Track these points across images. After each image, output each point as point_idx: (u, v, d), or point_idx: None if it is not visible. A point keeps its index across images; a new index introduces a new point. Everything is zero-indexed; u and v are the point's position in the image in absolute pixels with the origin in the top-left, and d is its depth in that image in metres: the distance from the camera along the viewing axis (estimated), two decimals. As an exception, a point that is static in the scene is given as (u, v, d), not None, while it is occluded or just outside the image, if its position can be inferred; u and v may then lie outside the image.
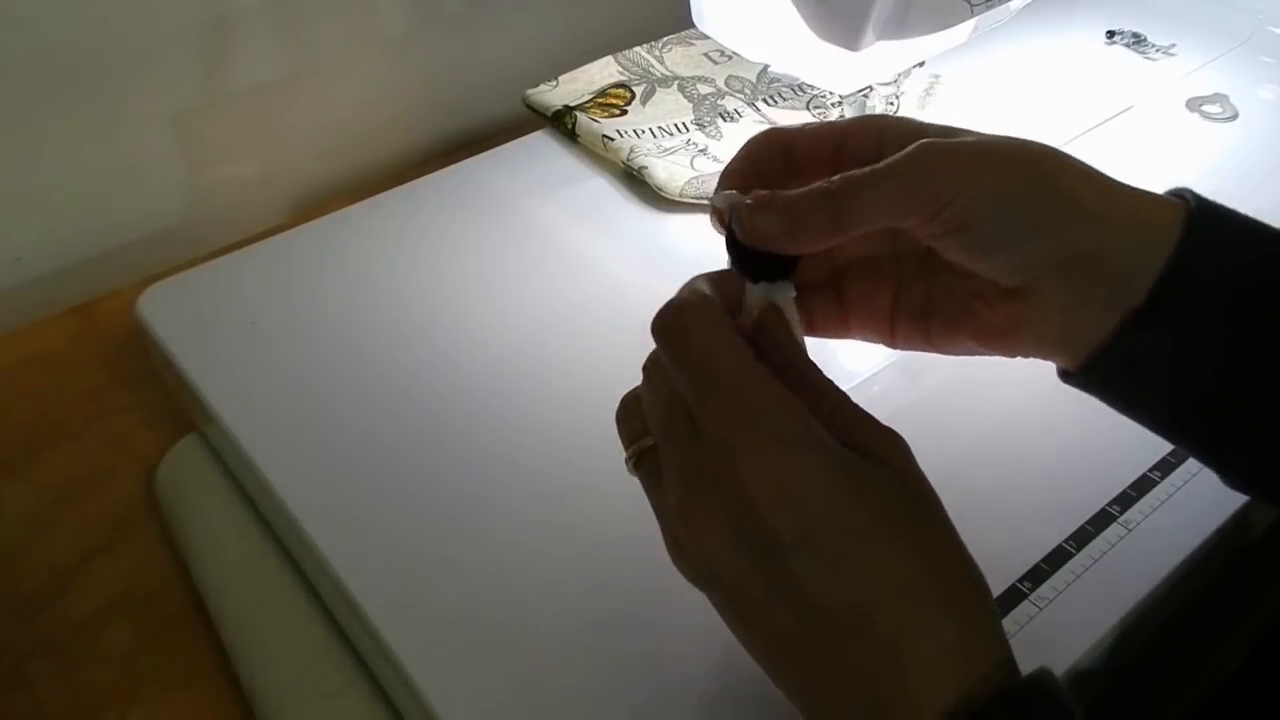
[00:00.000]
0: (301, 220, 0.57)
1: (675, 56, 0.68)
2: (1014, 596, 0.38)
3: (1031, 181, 0.31)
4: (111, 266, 0.63)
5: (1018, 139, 0.32)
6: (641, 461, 0.33)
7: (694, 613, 0.37)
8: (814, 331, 0.37)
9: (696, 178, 0.57)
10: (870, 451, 0.30)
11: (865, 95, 0.58)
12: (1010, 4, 0.52)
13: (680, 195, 0.56)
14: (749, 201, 0.32)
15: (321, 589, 0.42)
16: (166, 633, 0.45)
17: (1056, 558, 0.39)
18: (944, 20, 0.48)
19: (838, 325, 0.37)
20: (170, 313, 0.50)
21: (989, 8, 0.49)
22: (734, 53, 0.68)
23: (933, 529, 0.30)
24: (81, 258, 0.63)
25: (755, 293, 0.32)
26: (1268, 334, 0.31)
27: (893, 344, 0.37)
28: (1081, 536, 0.40)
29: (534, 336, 0.49)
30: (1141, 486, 0.41)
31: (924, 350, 0.36)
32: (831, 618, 0.28)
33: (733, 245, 0.33)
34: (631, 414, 0.34)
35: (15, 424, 0.53)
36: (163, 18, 0.58)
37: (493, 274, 0.52)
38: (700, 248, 0.54)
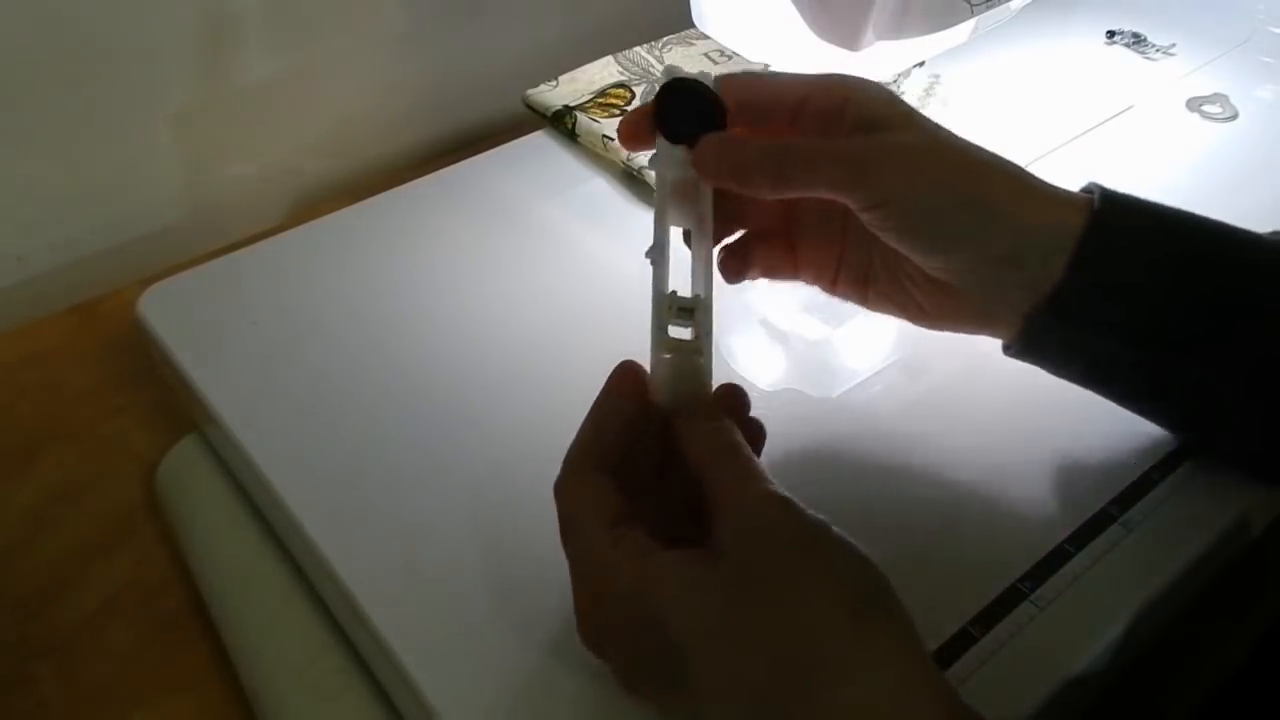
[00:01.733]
0: (301, 220, 0.56)
1: (675, 56, 0.68)
2: (1014, 596, 0.38)
3: (960, 197, 0.35)
4: (111, 266, 0.63)
5: (959, 144, 0.35)
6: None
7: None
8: (767, 274, 0.40)
9: None
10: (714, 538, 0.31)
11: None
12: (1010, 4, 0.52)
13: None
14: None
15: (321, 589, 0.42)
16: (167, 633, 0.45)
17: (1056, 558, 0.39)
18: (944, 20, 0.48)
19: (788, 269, 0.41)
20: (170, 313, 0.50)
21: (989, 8, 0.49)
22: (734, 53, 0.68)
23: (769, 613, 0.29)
24: (81, 257, 0.63)
25: (677, 155, 0.35)
26: (1159, 315, 0.36)
27: (832, 293, 0.41)
28: (1081, 536, 0.40)
29: (535, 336, 0.49)
30: (1141, 486, 0.41)
31: (860, 305, 0.41)
32: None
33: (666, 103, 0.35)
34: None
35: (15, 423, 0.53)
36: (163, 18, 0.58)
37: (493, 274, 0.52)
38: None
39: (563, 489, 0.33)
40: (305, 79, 0.66)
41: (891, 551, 0.39)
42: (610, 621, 0.32)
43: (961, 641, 0.36)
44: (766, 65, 0.63)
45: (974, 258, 0.35)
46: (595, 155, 0.60)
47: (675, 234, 0.37)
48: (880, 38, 0.48)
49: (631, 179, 0.58)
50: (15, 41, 0.54)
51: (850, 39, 0.47)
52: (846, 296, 0.41)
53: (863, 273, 0.40)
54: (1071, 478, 0.42)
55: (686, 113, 0.35)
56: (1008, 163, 0.36)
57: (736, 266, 0.40)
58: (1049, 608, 0.37)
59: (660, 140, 0.36)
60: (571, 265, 0.53)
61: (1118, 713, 0.42)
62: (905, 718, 0.27)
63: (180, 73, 0.61)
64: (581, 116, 0.62)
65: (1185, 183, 0.57)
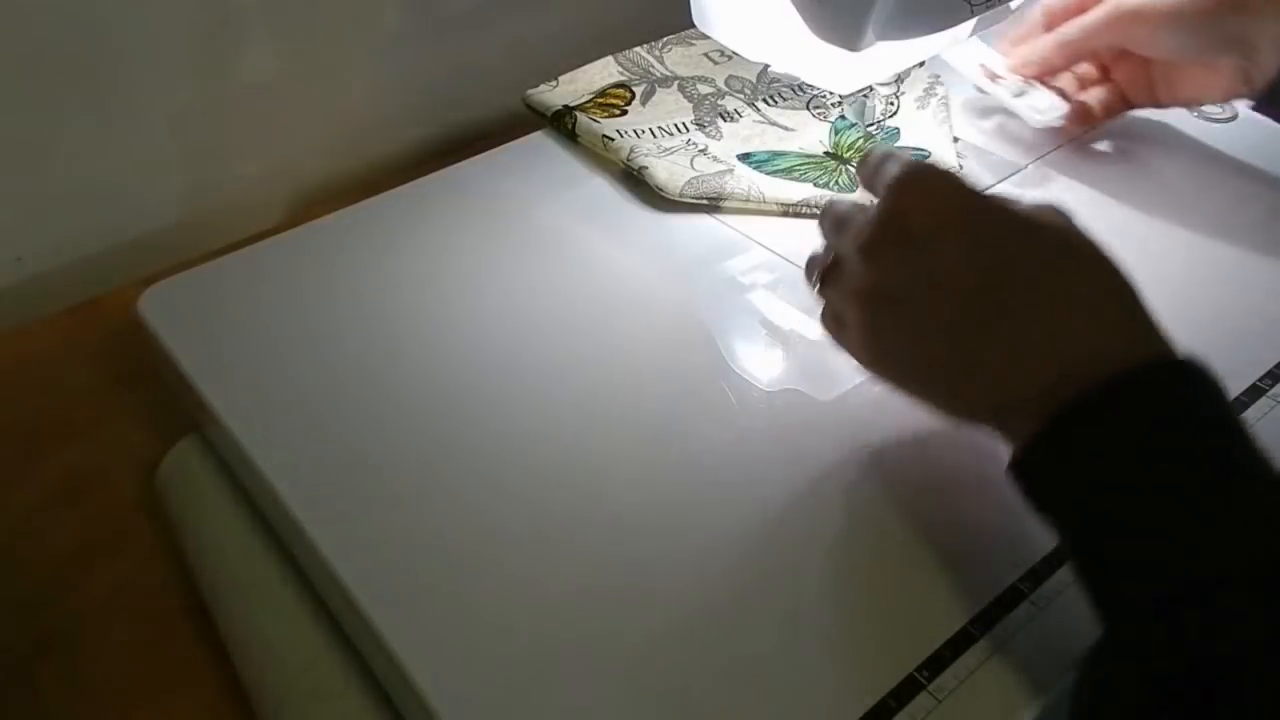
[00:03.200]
0: (301, 220, 0.57)
1: (675, 56, 0.68)
2: (1014, 596, 0.38)
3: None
4: (111, 266, 0.63)
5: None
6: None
7: (696, 614, 0.37)
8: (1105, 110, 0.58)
9: (697, 178, 0.57)
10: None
11: (865, 95, 0.58)
12: (1010, 4, 0.52)
13: (680, 195, 0.56)
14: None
15: (322, 589, 0.42)
16: (167, 632, 0.45)
17: (1056, 558, 0.39)
18: (944, 20, 0.48)
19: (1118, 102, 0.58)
20: (170, 313, 0.50)
21: (989, 8, 0.49)
22: (734, 53, 0.68)
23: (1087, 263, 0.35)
24: (82, 257, 0.63)
25: None
26: None
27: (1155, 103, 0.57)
28: (1081, 536, 0.39)
29: (535, 336, 0.49)
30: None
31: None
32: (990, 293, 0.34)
33: None
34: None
35: (15, 423, 0.53)
36: (163, 18, 0.58)
37: (494, 274, 0.52)
38: (701, 247, 0.54)
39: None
40: (305, 79, 0.66)
41: (892, 551, 0.39)
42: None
43: (961, 641, 0.36)
44: (767, 65, 0.63)
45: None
46: (595, 156, 0.60)
47: None
48: (880, 38, 0.48)
49: (631, 178, 0.58)
50: (15, 41, 0.54)
51: (850, 39, 0.47)
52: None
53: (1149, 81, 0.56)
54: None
55: None
56: None
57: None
58: (1049, 608, 0.37)
59: None
60: (572, 265, 0.53)
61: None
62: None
63: (180, 73, 0.61)
64: (581, 116, 0.62)
65: (1185, 183, 0.57)
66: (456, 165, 0.60)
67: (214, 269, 0.53)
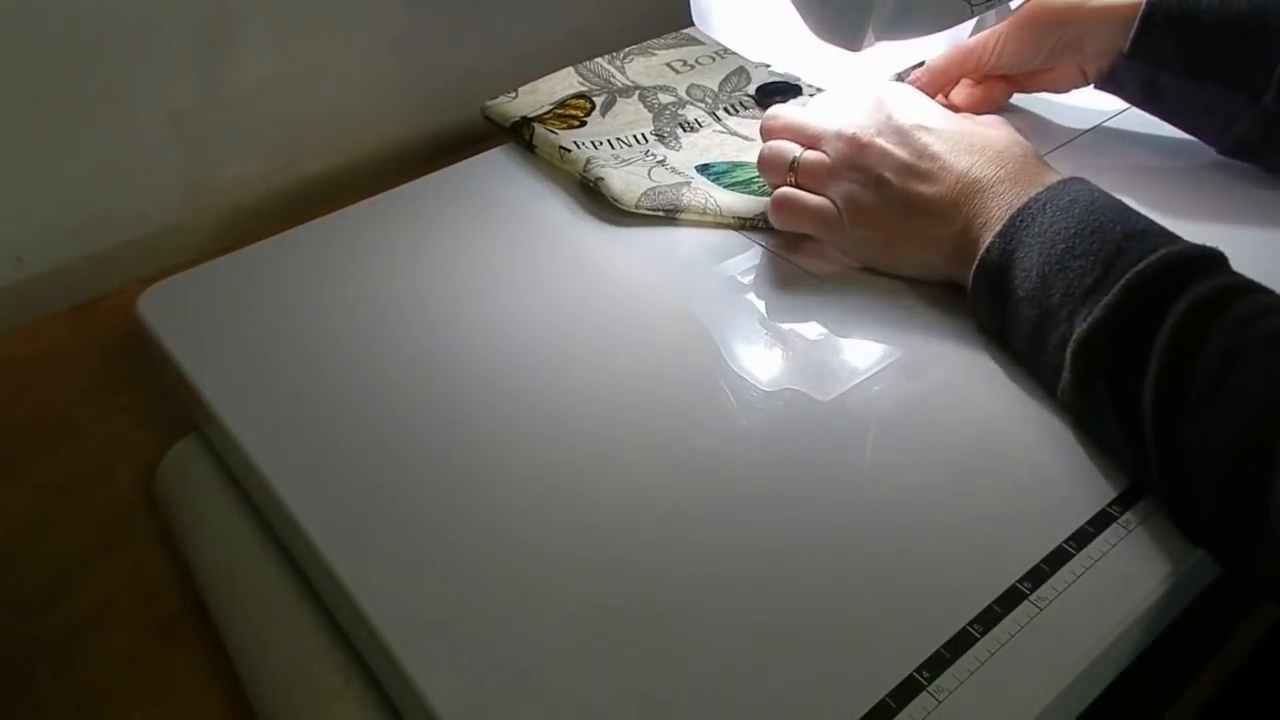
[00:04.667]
0: (301, 220, 0.57)
1: (637, 67, 0.67)
2: (1014, 596, 0.38)
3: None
4: (111, 266, 0.63)
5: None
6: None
7: (695, 614, 0.37)
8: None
9: (654, 189, 0.56)
10: None
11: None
12: (1010, 4, 0.52)
13: (636, 206, 0.55)
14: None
15: (321, 589, 0.42)
16: (166, 633, 0.45)
17: (1057, 558, 0.39)
18: (944, 20, 0.48)
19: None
20: (170, 313, 0.50)
21: (989, 8, 0.49)
22: (695, 61, 0.68)
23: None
24: (81, 257, 0.63)
25: None
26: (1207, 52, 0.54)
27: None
28: (1082, 537, 0.39)
29: (534, 335, 0.49)
30: (1143, 486, 0.41)
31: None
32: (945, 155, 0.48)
33: None
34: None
35: (15, 423, 0.53)
36: (163, 18, 0.58)
37: (493, 273, 0.52)
38: (700, 247, 0.54)
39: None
40: (305, 79, 0.66)
41: (892, 551, 0.39)
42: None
43: (962, 641, 0.36)
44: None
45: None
46: (552, 167, 0.60)
47: None
48: (880, 38, 0.48)
49: (587, 190, 0.58)
50: (15, 42, 0.54)
51: (850, 39, 0.48)
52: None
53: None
54: (1072, 477, 0.42)
55: None
56: None
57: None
58: (1049, 608, 0.37)
59: None
60: (571, 265, 0.53)
61: (1119, 712, 0.42)
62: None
63: (180, 72, 0.61)
64: (539, 128, 0.61)
65: (1185, 184, 0.57)
66: (456, 165, 0.60)
67: (214, 269, 0.53)
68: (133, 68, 0.59)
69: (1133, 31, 0.54)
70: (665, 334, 0.49)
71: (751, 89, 0.65)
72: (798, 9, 0.49)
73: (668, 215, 0.55)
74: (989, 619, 0.37)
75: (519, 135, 0.62)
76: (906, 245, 0.49)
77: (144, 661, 0.44)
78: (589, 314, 0.50)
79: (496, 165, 0.61)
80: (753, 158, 0.56)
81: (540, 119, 0.62)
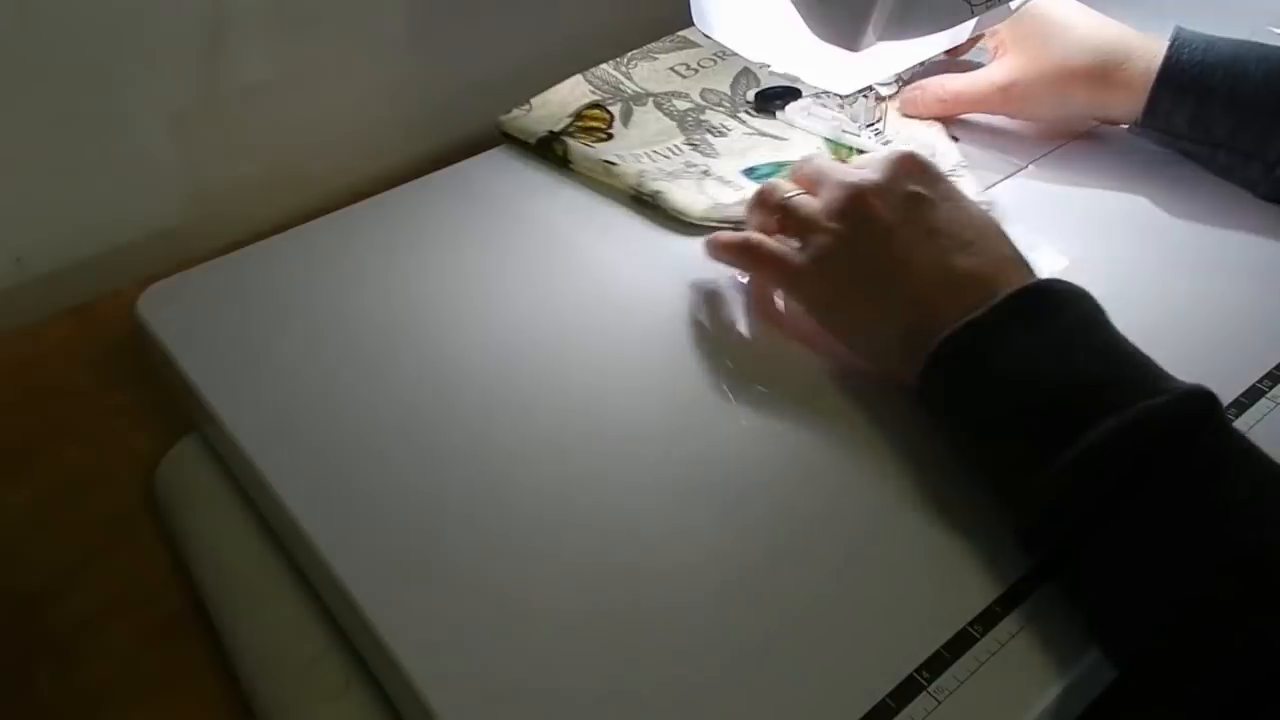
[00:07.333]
0: (301, 220, 0.57)
1: (643, 72, 0.67)
2: (1015, 597, 0.38)
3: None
4: (111, 266, 0.63)
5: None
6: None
7: (695, 614, 0.37)
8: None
9: (719, 204, 0.56)
10: None
11: (866, 95, 0.58)
12: (1010, 4, 0.52)
13: (704, 219, 0.55)
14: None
15: (321, 589, 0.42)
16: (166, 633, 0.45)
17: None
18: (944, 20, 0.48)
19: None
20: (170, 313, 0.50)
21: (989, 8, 0.49)
22: (699, 65, 0.67)
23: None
24: (81, 258, 0.63)
25: None
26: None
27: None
28: (1082, 536, 0.39)
29: (535, 335, 0.49)
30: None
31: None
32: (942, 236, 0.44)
33: None
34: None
35: (15, 424, 0.53)
36: (163, 19, 0.58)
37: (494, 274, 0.52)
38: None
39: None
40: (305, 80, 0.66)
41: (893, 550, 0.39)
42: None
43: (962, 641, 0.36)
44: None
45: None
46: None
47: None
48: (880, 38, 0.48)
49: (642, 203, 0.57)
50: (15, 42, 0.54)
51: (850, 39, 0.48)
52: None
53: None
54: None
55: None
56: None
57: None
58: (1049, 608, 0.37)
59: None
60: (570, 265, 0.53)
61: (1119, 712, 0.42)
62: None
63: (181, 73, 0.61)
64: (573, 143, 0.60)
65: (1185, 184, 0.57)
66: (459, 165, 0.60)
67: (214, 269, 0.53)
68: (134, 69, 0.59)
69: (1143, 104, 0.55)
70: (666, 335, 0.49)
71: (752, 95, 0.65)
72: (798, 9, 0.49)
73: (735, 227, 0.53)
74: (989, 619, 0.37)
75: (549, 151, 0.60)
76: (854, 310, 0.45)
77: (144, 661, 0.44)
78: (588, 314, 0.50)
79: (496, 165, 0.61)
80: (791, 155, 0.56)
81: (567, 133, 0.61)
